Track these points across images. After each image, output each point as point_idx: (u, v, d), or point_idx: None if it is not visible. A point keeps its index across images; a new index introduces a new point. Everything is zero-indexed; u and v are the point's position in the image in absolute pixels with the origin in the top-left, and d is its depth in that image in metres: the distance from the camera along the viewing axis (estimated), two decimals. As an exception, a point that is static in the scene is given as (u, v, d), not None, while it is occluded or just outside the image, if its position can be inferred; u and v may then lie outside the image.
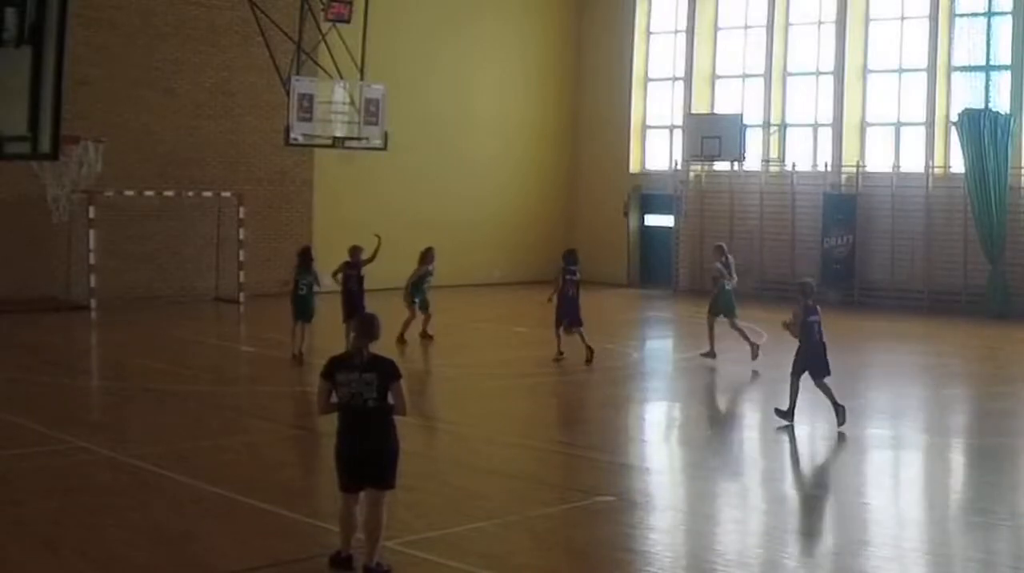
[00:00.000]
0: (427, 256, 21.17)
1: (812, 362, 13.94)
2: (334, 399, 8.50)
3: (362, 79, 22.67)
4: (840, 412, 13.75)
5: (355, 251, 19.42)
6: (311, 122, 21.79)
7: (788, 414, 14.05)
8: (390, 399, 8.39)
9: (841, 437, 13.59)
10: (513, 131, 33.02)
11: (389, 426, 8.47)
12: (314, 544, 9.21)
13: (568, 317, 18.72)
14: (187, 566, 8.83)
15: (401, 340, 20.15)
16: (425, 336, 21.06)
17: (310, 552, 9.08)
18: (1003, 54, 26.93)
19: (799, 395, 13.99)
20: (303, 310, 18.71)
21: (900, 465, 13.14)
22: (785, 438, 14.48)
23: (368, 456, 8.43)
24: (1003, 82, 26.93)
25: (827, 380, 13.94)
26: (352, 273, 19.26)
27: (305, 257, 19.07)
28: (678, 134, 32.23)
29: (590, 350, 18.43)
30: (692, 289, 30.49)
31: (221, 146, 27.72)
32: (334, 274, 19.30)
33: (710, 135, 30.31)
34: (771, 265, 30.42)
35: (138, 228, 26.21)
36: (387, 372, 8.40)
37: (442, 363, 20.28)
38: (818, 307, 14.21)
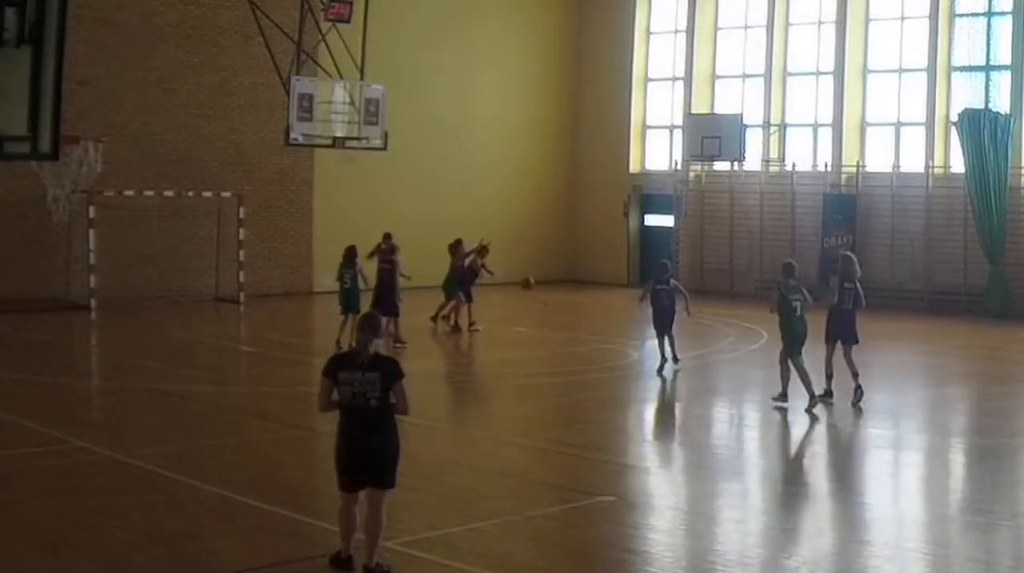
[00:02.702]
0: (458, 249, 22.50)
1: (657, 320, 18.02)
2: (335, 397, 8.49)
3: (362, 79, 22.68)
4: (675, 360, 18.08)
5: (387, 238, 20.56)
6: (311, 122, 21.81)
7: (668, 362, 18.02)
8: (391, 398, 8.39)
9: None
10: (513, 131, 33.01)
11: (390, 426, 8.45)
12: (314, 544, 9.20)
13: None
14: (187, 566, 8.83)
15: (470, 326, 22.14)
16: (454, 325, 22.42)
17: (310, 552, 9.08)
18: (1003, 54, 26.91)
19: (672, 345, 18.11)
20: (347, 302, 19.70)
21: (900, 465, 13.14)
22: (785, 438, 14.52)
23: (369, 456, 8.41)
24: (1003, 82, 26.91)
25: (670, 336, 18.12)
26: (385, 267, 20.19)
27: (348, 254, 19.98)
28: (678, 134, 32.23)
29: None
30: (692, 289, 30.39)
31: (221, 146, 27.71)
32: (369, 255, 20.35)
33: (710, 135, 30.31)
34: (771, 265, 30.39)
35: (138, 228, 26.20)
36: (390, 372, 8.39)
37: (442, 363, 20.30)
38: (670, 279, 18.32)
